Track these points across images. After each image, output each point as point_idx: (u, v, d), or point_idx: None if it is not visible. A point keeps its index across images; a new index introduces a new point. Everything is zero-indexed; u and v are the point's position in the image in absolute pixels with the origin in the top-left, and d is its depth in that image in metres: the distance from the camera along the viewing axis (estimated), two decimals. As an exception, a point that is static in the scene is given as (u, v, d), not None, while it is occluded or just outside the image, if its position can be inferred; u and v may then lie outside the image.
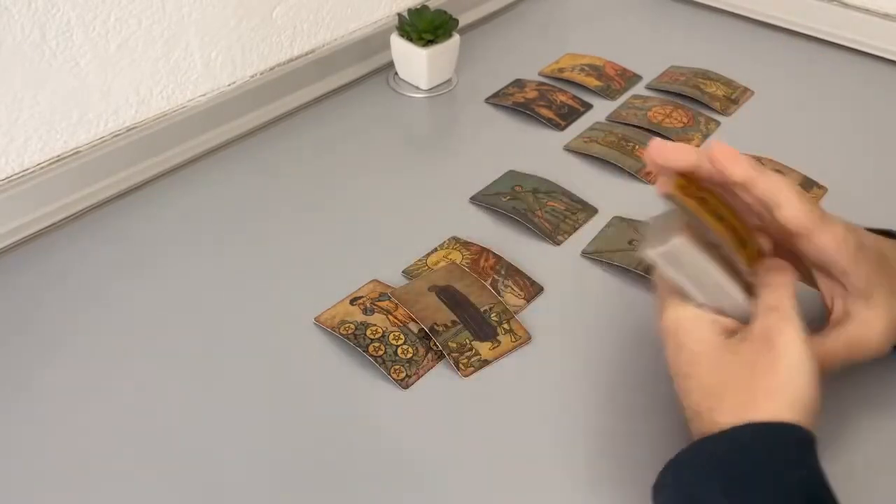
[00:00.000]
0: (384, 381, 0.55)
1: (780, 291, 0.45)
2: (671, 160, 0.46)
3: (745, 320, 0.46)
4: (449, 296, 0.59)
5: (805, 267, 0.50)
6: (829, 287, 0.49)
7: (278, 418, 0.52)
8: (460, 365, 0.55)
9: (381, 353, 0.55)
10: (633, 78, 0.88)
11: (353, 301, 0.60)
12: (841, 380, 0.51)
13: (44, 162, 0.66)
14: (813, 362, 0.43)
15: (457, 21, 0.83)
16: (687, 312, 0.47)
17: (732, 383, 0.43)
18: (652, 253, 0.46)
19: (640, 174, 0.73)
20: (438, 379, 0.55)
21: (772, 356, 0.43)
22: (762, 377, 0.43)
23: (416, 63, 0.84)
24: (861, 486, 0.48)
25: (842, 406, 0.52)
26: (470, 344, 0.56)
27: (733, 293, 0.46)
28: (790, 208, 0.44)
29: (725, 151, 0.45)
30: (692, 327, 0.46)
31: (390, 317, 0.58)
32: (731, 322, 0.46)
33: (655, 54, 0.91)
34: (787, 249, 0.48)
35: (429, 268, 0.63)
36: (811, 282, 0.50)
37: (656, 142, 0.46)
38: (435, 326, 0.57)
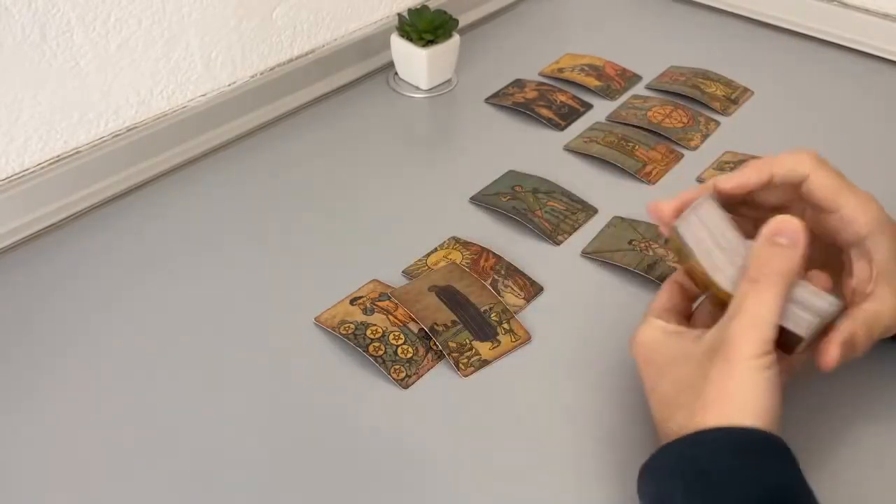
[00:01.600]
0: (384, 381, 0.55)
1: (763, 294, 0.44)
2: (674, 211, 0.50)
3: None
4: (449, 296, 0.59)
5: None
6: (860, 268, 0.48)
7: (278, 418, 0.52)
8: (460, 365, 0.55)
9: (381, 352, 0.55)
10: (633, 78, 0.88)
11: (353, 301, 0.60)
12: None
13: (44, 162, 0.66)
14: (770, 371, 0.42)
15: (457, 21, 0.83)
16: (654, 327, 0.48)
17: (686, 393, 0.44)
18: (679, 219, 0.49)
19: (639, 174, 0.73)
20: (438, 379, 0.55)
21: (726, 367, 0.43)
22: (713, 385, 0.43)
23: (416, 63, 0.84)
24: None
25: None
26: (470, 344, 0.56)
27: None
28: (815, 178, 0.47)
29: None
30: (657, 340, 0.47)
31: (390, 317, 0.58)
32: (698, 331, 0.47)
33: (655, 54, 0.91)
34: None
35: (429, 268, 0.63)
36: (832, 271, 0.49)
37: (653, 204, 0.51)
38: (435, 326, 0.57)
